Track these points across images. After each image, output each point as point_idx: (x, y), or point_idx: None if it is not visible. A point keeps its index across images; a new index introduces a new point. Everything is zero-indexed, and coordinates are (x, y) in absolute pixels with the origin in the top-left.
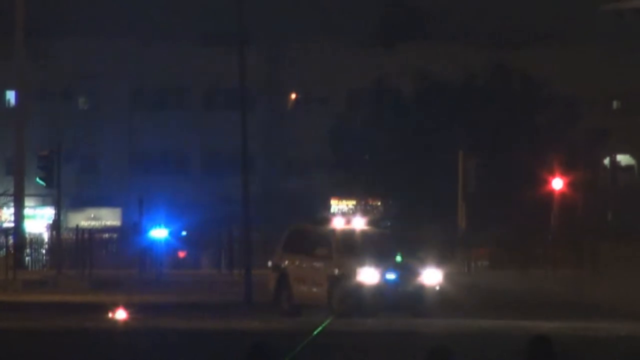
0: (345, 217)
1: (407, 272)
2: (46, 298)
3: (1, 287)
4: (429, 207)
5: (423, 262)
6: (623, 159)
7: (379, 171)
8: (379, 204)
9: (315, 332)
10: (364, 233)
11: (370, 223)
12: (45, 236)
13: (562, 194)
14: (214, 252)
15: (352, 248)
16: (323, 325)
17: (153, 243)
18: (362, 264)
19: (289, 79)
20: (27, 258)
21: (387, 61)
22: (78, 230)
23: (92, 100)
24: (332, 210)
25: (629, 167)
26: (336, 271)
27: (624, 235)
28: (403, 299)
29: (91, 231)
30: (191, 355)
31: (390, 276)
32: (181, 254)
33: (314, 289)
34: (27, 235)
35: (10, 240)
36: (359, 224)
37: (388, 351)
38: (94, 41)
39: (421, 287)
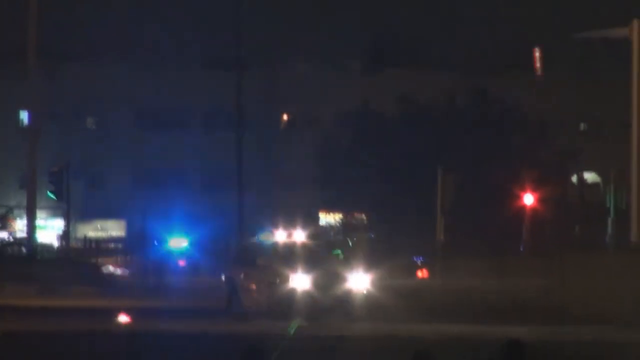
0: (287, 230)
1: (336, 278)
2: (57, 303)
3: (15, 292)
4: (410, 220)
5: (352, 268)
6: (589, 176)
7: (364, 187)
8: (364, 217)
9: (291, 333)
10: (303, 245)
11: (310, 236)
12: (56, 245)
13: (534, 209)
14: (212, 260)
15: (290, 258)
16: (293, 327)
17: (160, 252)
18: (294, 272)
19: (281, 100)
20: None
21: (373, 85)
22: (86, 240)
23: (99, 120)
24: (320, 222)
25: (595, 184)
26: (274, 279)
27: (589, 247)
28: (332, 303)
29: (98, 241)
30: (182, 355)
31: (320, 282)
32: (181, 262)
33: (258, 296)
34: (38, 245)
35: (24, 250)
36: (299, 236)
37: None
38: (101, 65)
39: (349, 292)
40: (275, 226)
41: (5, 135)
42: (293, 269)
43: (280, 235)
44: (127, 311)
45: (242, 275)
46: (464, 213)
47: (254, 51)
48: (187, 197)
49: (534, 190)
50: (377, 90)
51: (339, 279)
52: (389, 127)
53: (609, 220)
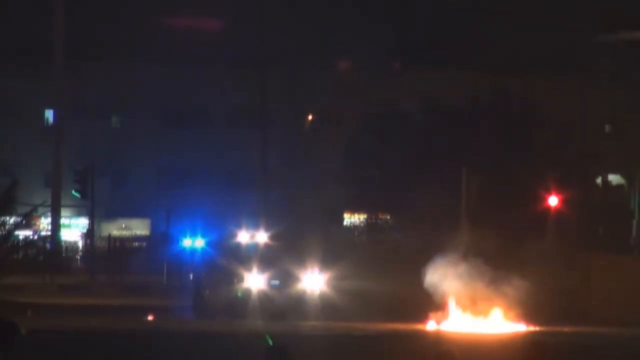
0: (249, 232)
1: (290, 278)
2: (79, 301)
3: (39, 290)
4: (434, 221)
5: (306, 269)
6: (614, 178)
7: (388, 187)
8: (388, 217)
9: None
10: (265, 245)
11: (272, 237)
12: (80, 244)
13: (557, 210)
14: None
15: (250, 259)
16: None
17: (183, 251)
18: (250, 271)
19: (306, 100)
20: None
21: (397, 85)
22: (110, 238)
23: (123, 119)
24: (344, 222)
25: (619, 186)
26: (232, 279)
27: (613, 249)
28: (286, 302)
29: (122, 240)
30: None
31: (275, 282)
32: None
33: (219, 295)
34: (63, 243)
35: (48, 247)
36: (262, 238)
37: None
38: (125, 64)
39: (303, 292)
40: (239, 227)
41: (31, 134)
42: (249, 269)
43: (243, 236)
44: (149, 310)
45: (207, 275)
46: (487, 213)
47: (279, 50)
48: (211, 196)
49: (558, 191)
50: (402, 91)
51: (292, 279)
52: (414, 127)
53: (634, 222)
